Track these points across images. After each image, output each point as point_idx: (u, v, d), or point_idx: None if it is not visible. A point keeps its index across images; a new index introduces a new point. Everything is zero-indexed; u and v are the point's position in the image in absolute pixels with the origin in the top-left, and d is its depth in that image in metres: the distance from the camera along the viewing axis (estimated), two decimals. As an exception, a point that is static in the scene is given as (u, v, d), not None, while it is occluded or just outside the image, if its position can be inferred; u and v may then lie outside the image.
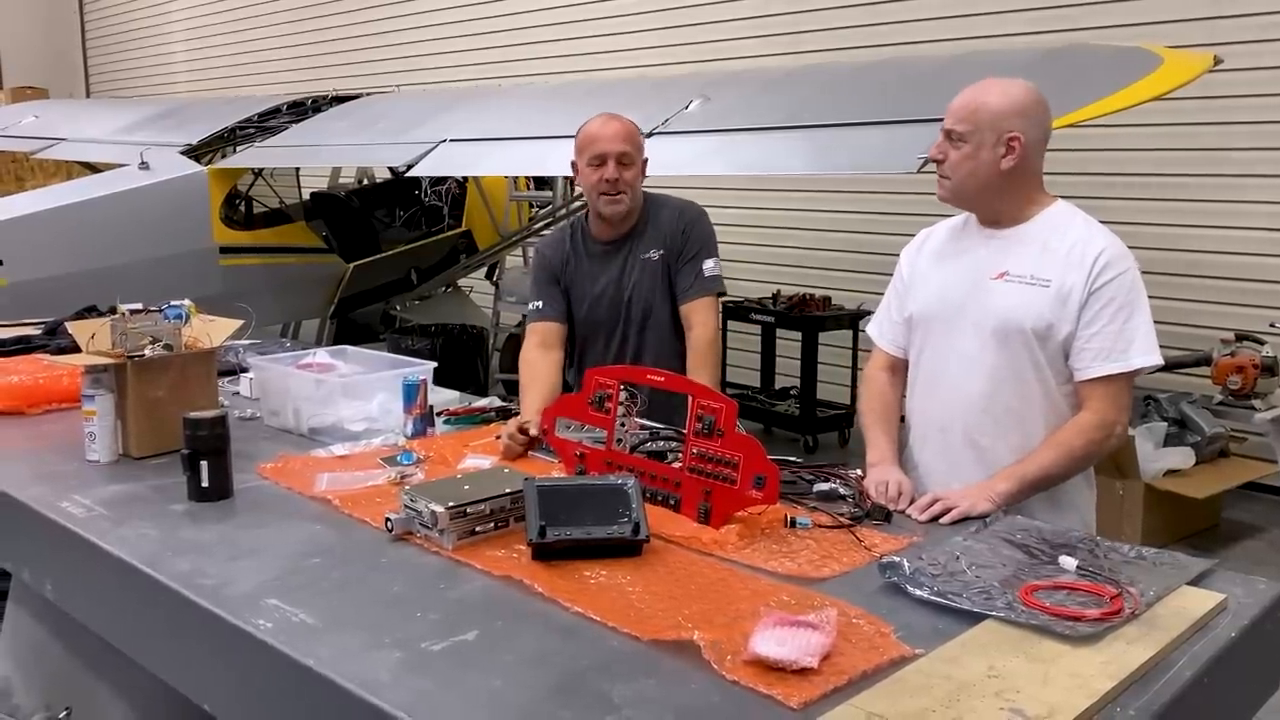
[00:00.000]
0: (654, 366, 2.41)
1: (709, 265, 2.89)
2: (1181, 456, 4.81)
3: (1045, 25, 5.90)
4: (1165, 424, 4.92)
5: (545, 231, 7.19)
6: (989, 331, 2.18)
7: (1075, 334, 2.13)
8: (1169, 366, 5.01)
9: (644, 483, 1.98)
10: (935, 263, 2.32)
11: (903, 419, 2.40)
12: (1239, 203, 5.47)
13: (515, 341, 7.30)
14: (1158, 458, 4.75)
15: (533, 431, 2.35)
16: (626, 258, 2.90)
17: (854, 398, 6.47)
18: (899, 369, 2.41)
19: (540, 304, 2.91)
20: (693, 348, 2.87)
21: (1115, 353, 2.11)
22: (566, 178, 6.95)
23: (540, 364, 2.82)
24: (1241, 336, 5.10)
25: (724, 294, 3.00)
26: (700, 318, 2.87)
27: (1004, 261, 2.19)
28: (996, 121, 2.11)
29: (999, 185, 2.16)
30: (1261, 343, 5.02)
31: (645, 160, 2.90)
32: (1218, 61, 3.88)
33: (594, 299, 2.90)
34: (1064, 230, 2.17)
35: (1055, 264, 2.14)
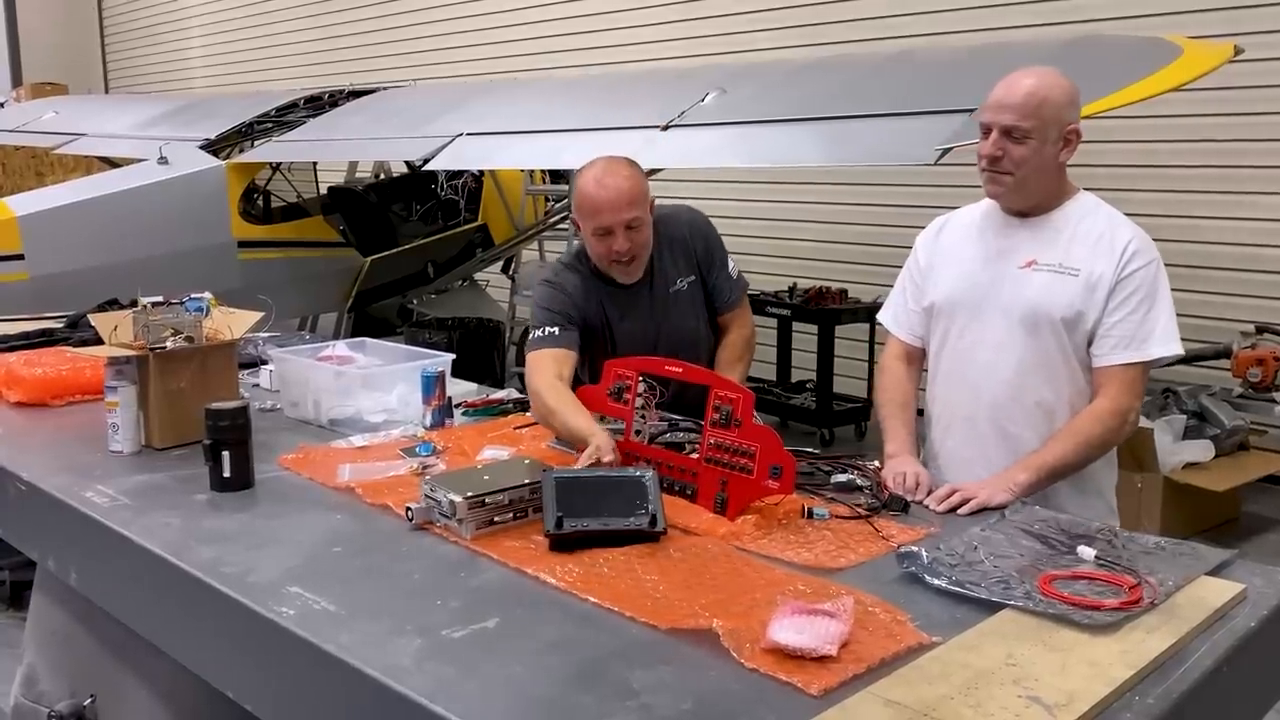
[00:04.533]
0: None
1: (732, 268, 2.78)
2: (1201, 449, 4.78)
3: (1064, 16, 5.86)
4: (1185, 417, 4.88)
5: (561, 227, 7.21)
6: (1018, 320, 2.18)
7: (1100, 321, 2.14)
8: (1188, 359, 4.98)
9: (661, 473, 1.99)
10: (956, 251, 2.32)
11: (920, 411, 2.40)
12: (1259, 194, 5.43)
13: (531, 334, 7.31)
14: (1177, 450, 4.72)
15: (608, 459, 2.07)
16: (653, 295, 2.65)
17: (871, 391, 6.46)
18: (915, 358, 2.41)
19: (555, 330, 2.52)
20: (731, 344, 2.74)
21: (1135, 341, 2.13)
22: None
23: (564, 388, 2.42)
24: (1262, 329, 5.07)
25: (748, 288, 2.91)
26: (740, 321, 2.78)
27: (1032, 250, 2.19)
28: (1060, 115, 2.11)
29: (1051, 178, 2.17)
30: (1282, 335, 4.99)
31: (653, 201, 2.58)
32: (1238, 51, 3.84)
33: (625, 338, 2.61)
34: (1091, 220, 2.18)
35: (1083, 253, 2.15)
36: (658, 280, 2.65)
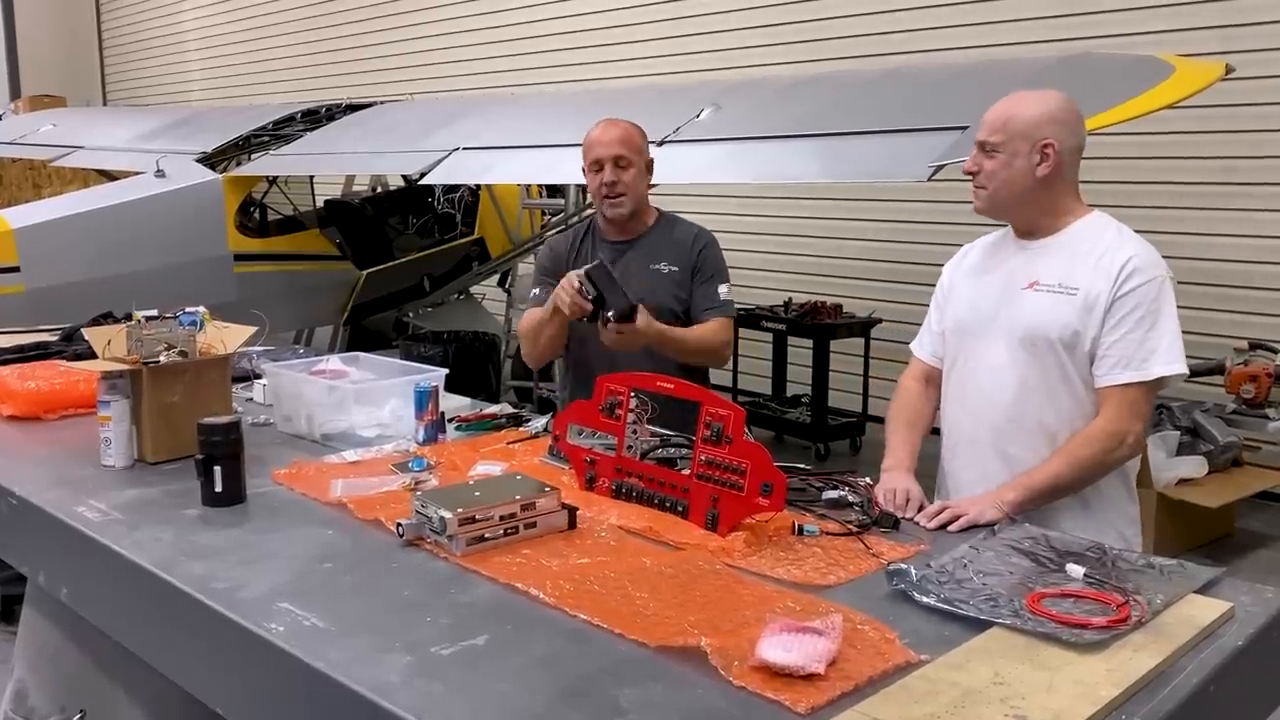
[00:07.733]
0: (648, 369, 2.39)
1: (723, 290, 2.94)
2: (1194, 465, 4.79)
3: (1057, 34, 5.90)
4: (1178, 433, 4.90)
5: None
6: (1018, 341, 2.18)
7: (1099, 340, 2.13)
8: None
9: (653, 489, 2.00)
10: (972, 275, 2.34)
11: (936, 430, 2.41)
12: (1251, 210, 5.46)
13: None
14: (1170, 466, 4.73)
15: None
16: (634, 260, 2.93)
17: (865, 405, 6.48)
18: (934, 379, 2.41)
19: (538, 291, 2.97)
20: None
21: (1135, 361, 2.10)
22: (579, 185, 6.99)
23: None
24: (1255, 345, 5.08)
25: (734, 319, 3.05)
26: (711, 329, 2.90)
27: (1035, 271, 2.20)
28: (1030, 130, 2.13)
29: (1034, 194, 2.18)
30: (1275, 351, 5.01)
31: (650, 162, 2.96)
32: (1229, 70, 3.87)
33: None
34: (1095, 239, 2.18)
35: (1083, 272, 2.14)
36: (643, 248, 2.95)
